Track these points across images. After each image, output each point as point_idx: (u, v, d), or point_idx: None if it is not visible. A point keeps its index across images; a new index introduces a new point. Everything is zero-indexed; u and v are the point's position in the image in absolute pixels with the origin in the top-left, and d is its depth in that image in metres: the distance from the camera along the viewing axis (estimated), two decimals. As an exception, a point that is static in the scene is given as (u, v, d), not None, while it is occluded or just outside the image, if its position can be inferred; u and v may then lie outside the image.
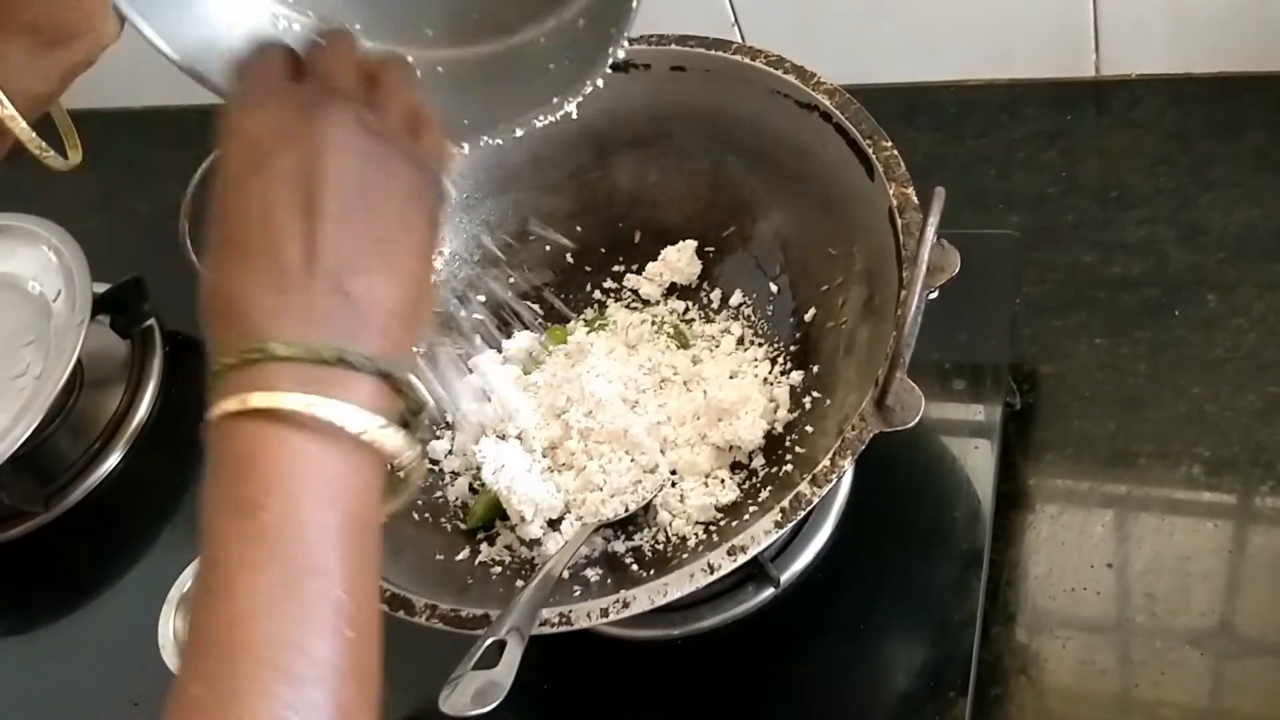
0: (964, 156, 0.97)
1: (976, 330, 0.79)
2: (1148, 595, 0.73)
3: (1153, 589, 0.74)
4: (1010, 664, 0.73)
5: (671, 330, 0.77)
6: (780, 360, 0.74)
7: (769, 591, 0.72)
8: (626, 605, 0.56)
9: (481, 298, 0.80)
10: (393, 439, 0.44)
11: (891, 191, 0.63)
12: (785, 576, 0.73)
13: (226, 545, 0.42)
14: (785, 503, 0.57)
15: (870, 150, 0.65)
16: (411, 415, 0.48)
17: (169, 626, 0.83)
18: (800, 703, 0.71)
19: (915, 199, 0.63)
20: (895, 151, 0.64)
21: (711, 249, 0.79)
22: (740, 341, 0.76)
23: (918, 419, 0.56)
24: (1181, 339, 0.80)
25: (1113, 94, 0.96)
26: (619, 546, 0.69)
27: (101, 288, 1.00)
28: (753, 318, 0.77)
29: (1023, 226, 0.90)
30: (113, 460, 0.97)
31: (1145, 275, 0.86)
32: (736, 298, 0.78)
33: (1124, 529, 0.76)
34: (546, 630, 0.57)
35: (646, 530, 0.70)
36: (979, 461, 0.76)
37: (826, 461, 0.57)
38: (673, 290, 0.80)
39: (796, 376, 0.73)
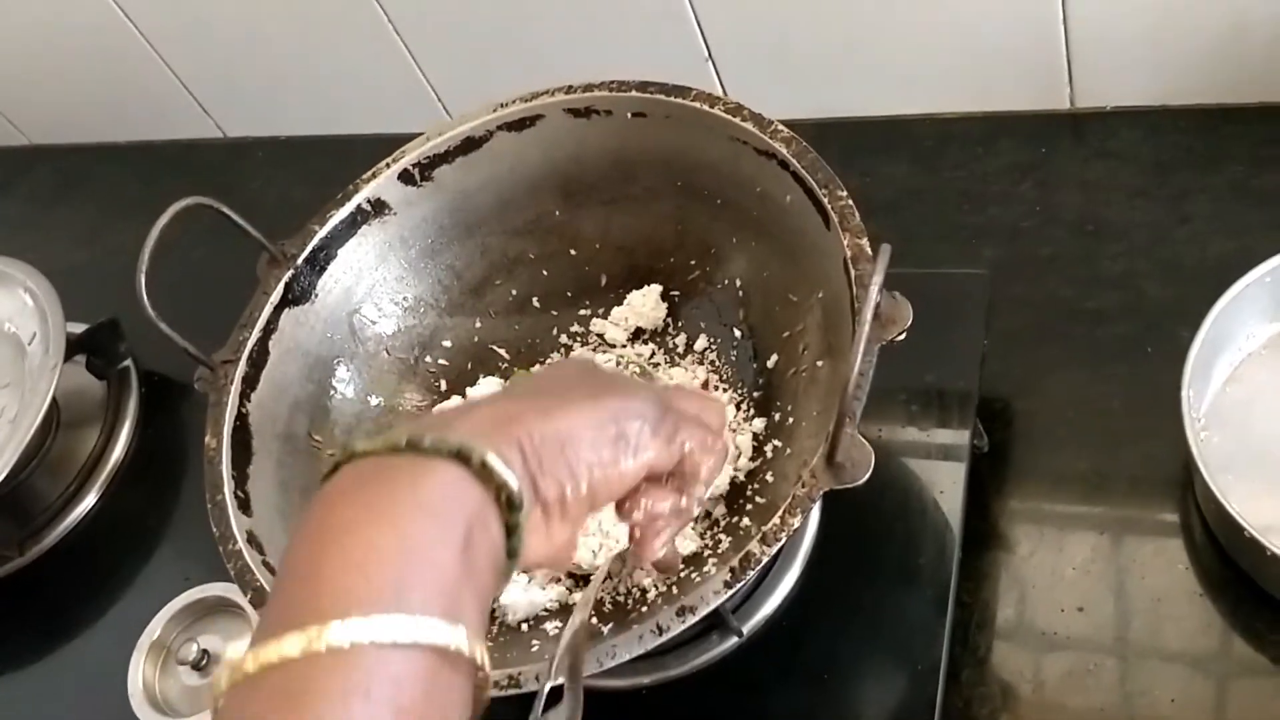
0: (939, 189, 0.97)
1: (945, 371, 0.78)
2: (1119, 639, 0.73)
3: (1124, 633, 0.73)
4: (979, 709, 0.72)
5: (638, 372, 0.77)
6: (744, 406, 0.74)
7: (734, 640, 0.72)
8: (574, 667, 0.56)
9: (447, 343, 0.80)
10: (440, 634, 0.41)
11: (846, 242, 0.63)
12: (751, 623, 0.72)
13: None
14: (735, 562, 0.56)
15: (825, 199, 0.65)
16: (508, 510, 0.46)
17: (139, 675, 0.83)
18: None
19: (869, 250, 0.63)
20: (850, 201, 0.64)
21: (677, 293, 0.78)
22: (705, 386, 0.75)
23: (867, 476, 0.55)
24: (1157, 374, 0.79)
25: (1088, 126, 0.95)
26: (578, 598, 0.69)
27: (80, 327, 1.01)
28: (717, 363, 0.77)
29: (997, 260, 0.90)
30: (89, 501, 0.97)
31: (1121, 310, 0.86)
32: (701, 342, 0.77)
33: (1096, 571, 0.76)
34: (496, 693, 0.57)
35: (609, 581, 0.69)
36: (947, 504, 0.75)
37: (776, 520, 0.56)
38: (638, 335, 0.79)
39: (759, 423, 0.72)
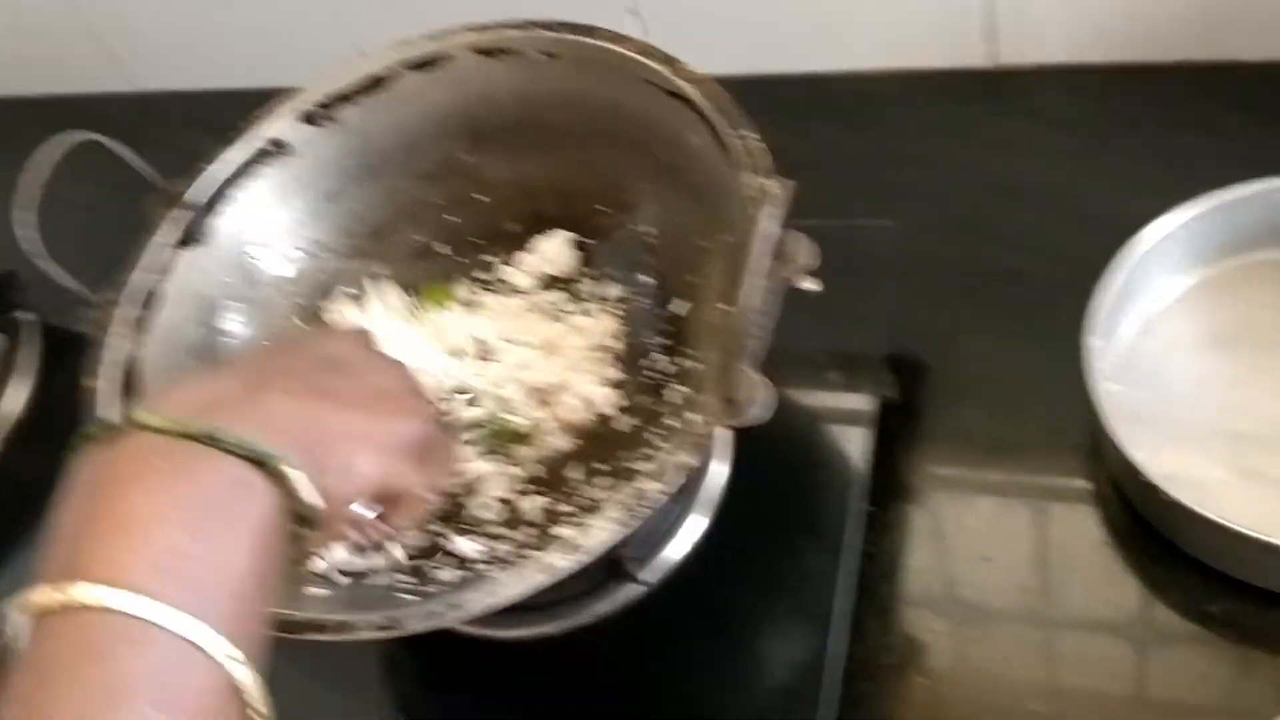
0: (859, 147, 0.96)
1: (855, 322, 0.78)
2: (1020, 588, 0.73)
3: (1027, 581, 0.73)
4: (884, 658, 0.72)
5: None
6: (651, 353, 0.73)
7: (638, 589, 0.71)
8: (458, 608, 0.55)
9: (352, 290, 0.78)
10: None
11: (753, 184, 0.62)
12: (658, 572, 0.71)
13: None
14: (627, 500, 0.55)
15: (733, 140, 0.63)
16: (300, 523, 0.46)
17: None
18: (668, 700, 0.70)
19: (776, 191, 0.62)
20: (759, 142, 0.63)
21: (589, 240, 0.77)
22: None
23: (767, 414, 0.54)
24: (1066, 331, 0.79)
25: (1008, 84, 0.95)
26: (466, 547, 0.67)
27: (-21, 281, 0.98)
28: (627, 309, 0.75)
29: (915, 218, 0.89)
30: (-14, 458, 0.94)
31: (1033, 266, 0.85)
32: (613, 290, 0.76)
33: (1002, 521, 0.76)
34: (376, 636, 0.55)
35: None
36: (855, 455, 0.75)
37: (670, 458, 0.55)
38: (549, 283, 0.78)
39: (668, 368, 0.71)
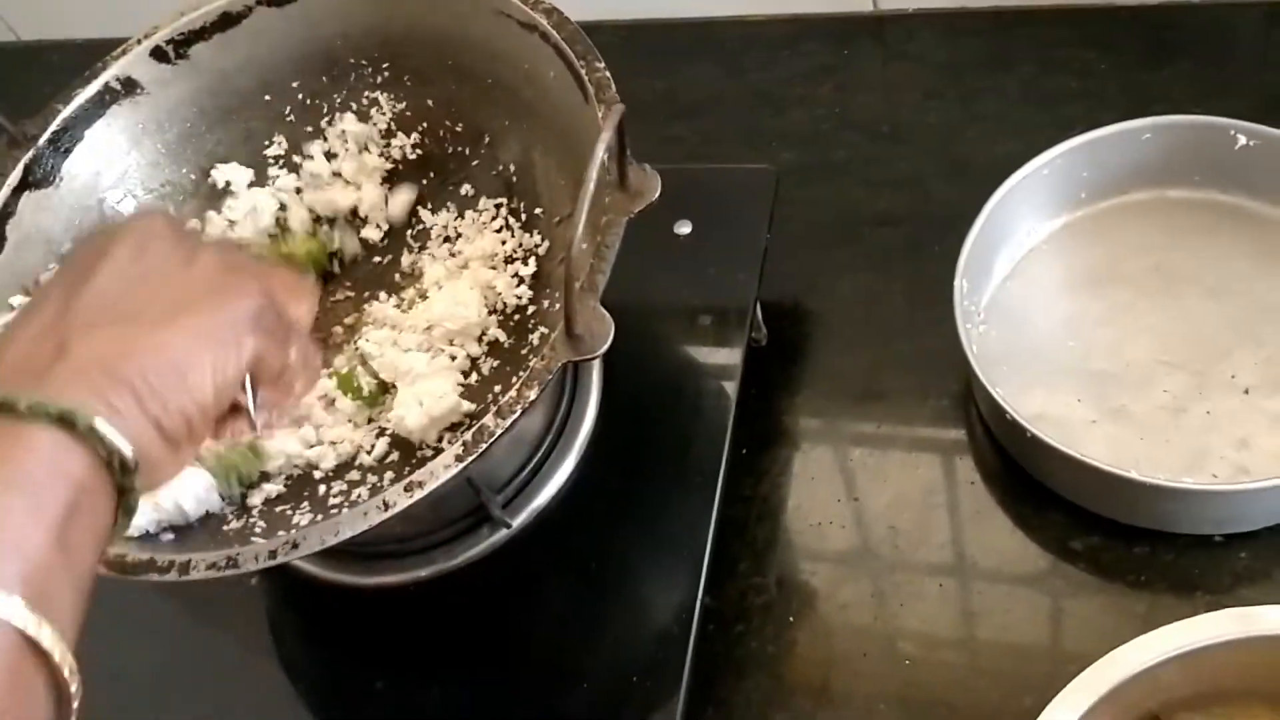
0: (742, 92, 0.96)
1: (727, 266, 0.77)
2: (891, 528, 0.73)
3: (896, 522, 0.73)
4: (755, 600, 0.72)
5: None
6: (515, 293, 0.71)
7: (504, 532, 0.70)
8: (295, 546, 0.53)
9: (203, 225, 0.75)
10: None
11: (600, 114, 0.61)
12: (521, 518, 0.71)
13: None
14: (468, 436, 0.54)
15: (584, 71, 0.62)
16: (120, 474, 0.43)
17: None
18: (532, 644, 0.70)
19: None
20: (606, 73, 0.62)
21: (448, 177, 0.75)
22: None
23: (605, 347, 0.53)
24: (939, 274, 0.79)
25: (890, 29, 0.95)
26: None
27: None
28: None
29: (794, 162, 0.89)
30: None
31: (909, 211, 0.86)
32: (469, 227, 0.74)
33: (873, 463, 0.76)
34: (213, 574, 0.54)
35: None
36: (724, 397, 0.74)
37: (513, 393, 0.54)
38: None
39: (529, 309, 0.70)
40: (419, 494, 0.53)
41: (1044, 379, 0.74)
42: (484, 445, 0.54)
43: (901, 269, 0.83)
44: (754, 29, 0.99)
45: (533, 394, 0.54)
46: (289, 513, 0.64)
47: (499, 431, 0.54)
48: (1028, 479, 0.72)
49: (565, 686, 0.67)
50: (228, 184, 0.74)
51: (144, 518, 0.59)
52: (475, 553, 0.70)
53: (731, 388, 0.73)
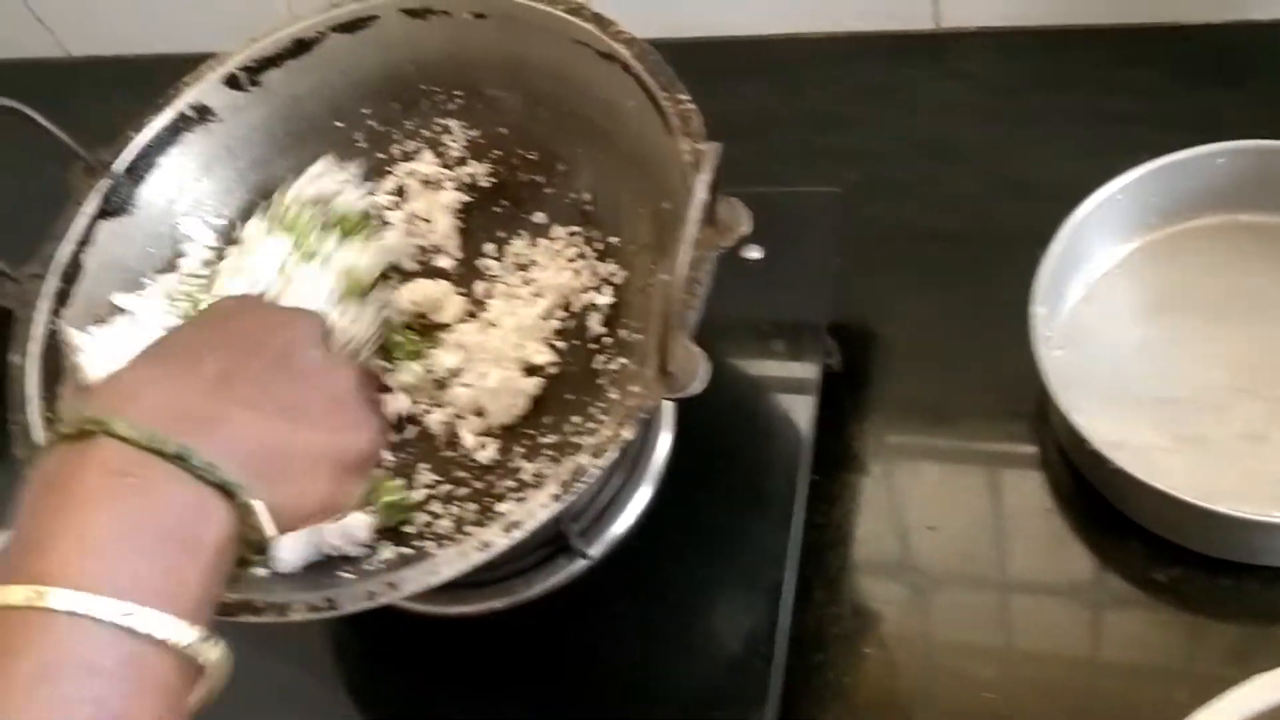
0: (800, 111, 0.95)
1: (797, 289, 0.77)
2: (969, 556, 0.73)
3: (975, 550, 0.73)
4: (831, 628, 0.72)
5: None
6: (590, 322, 0.71)
7: (583, 562, 0.70)
8: (394, 587, 0.53)
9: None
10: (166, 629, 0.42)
11: (686, 148, 0.60)
12: (602, 545, 0.71)
13: None
14: (565, 475, 0.54)
15: (666, 103, 0.62)
16: (251, 550, 0.47)
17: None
18: (613, 672, 0.70)
19: (708, 155, 0.60)
20: (691, 105, 0.61)
21: (522, 205, 0.75)
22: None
23: (701, 386, 0.53)
24: (1008, 296, 0.79)
25: (949, 47, 0.95)
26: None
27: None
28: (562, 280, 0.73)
29: (855, 182, 0.89)
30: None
31: (975, 231, 0.85)
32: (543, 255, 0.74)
33: (948, 489, 0.75)
34: (313, 617, 0.54)
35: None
36: (798, 424, 0.74)
37: (607, 432, 0.54)
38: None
39: (606, 338, 0.70)
40: (518, 534, 0.53)
41: (1119, 405, 0.73)
42: (581, 485, 0.53)
43: (969, 291, 0.82)
44: (809, 47, 0.98)
45: (627, 433, 0.54)
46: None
47: (595, 471, 0.53)
48: (1105, 506, 0.72)
49: (646, 718, 0.67)
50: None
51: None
52: (553, 582, 0.70)
53: (807, 414, 0.73)
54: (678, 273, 0.49)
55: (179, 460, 0.44)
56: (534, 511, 0.53)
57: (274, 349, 0.51)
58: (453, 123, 0.75)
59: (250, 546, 0.47)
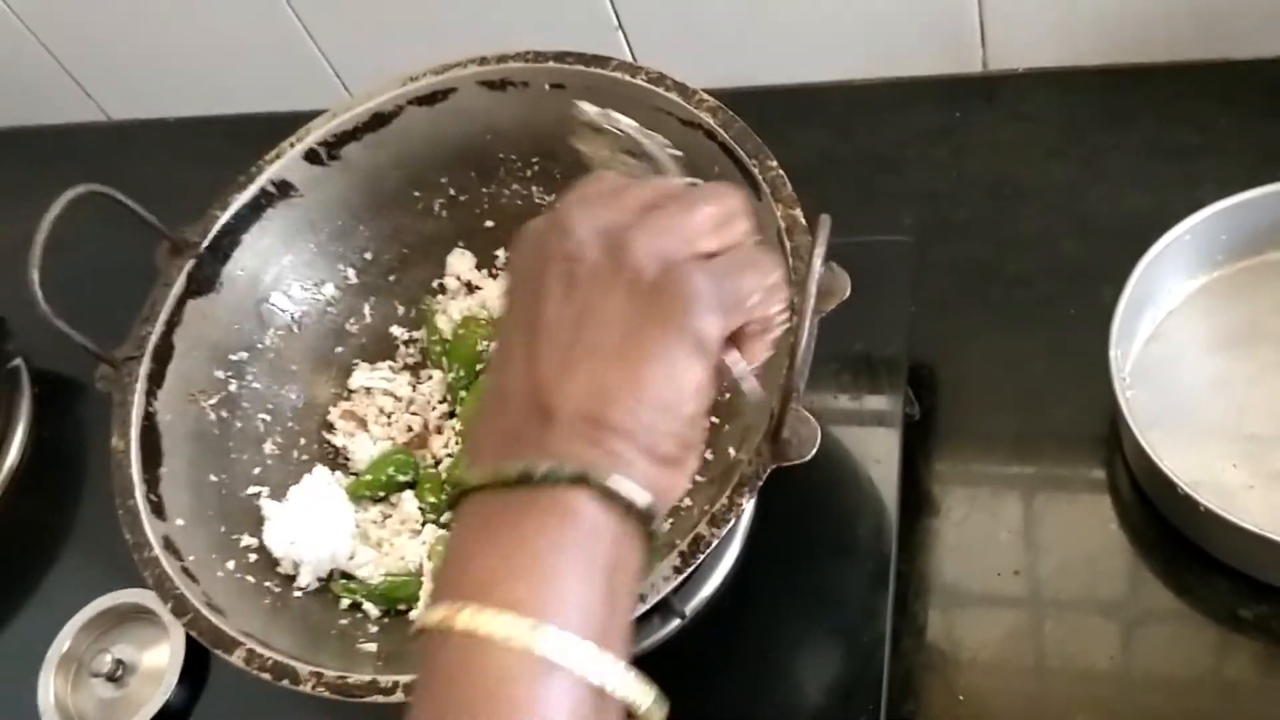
0: (855, 156, 0.96)
1: (872, 340, 0.78)
2: (1055, 602, 0.73)
3: (1059, 594, 0.73)
4: (921, 678, 0.72)
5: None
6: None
7: (676, 622, 0.70)
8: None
9: (362, 327, 0.76)
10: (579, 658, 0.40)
11: (779, 213, 0.61)
12: (692, 604, 0.71)
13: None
14: (684, 545, 0.55)
15: (756, 170, 0.63)
16: (647, 523, 0.43)
17: (49, 690, 0.79)
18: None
19: (803, 220, 0.62)
20: (781, 171, 0.63)
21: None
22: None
23: (814, 452, 0.54)
24: (1079, 336, 0.80)
25: (1001, 89, 0.95)
26: None
27: (-37, 329, 0.95)
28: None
29: (916, 224, 0.89)
30: (-17, 511, 0.92)
31: (1040, 269, 0.86)
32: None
33: (1029, 533, 0.76)
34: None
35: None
36: (882, 475, 0.75)
37: (724, 500, 0.55)
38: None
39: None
40: (642, 607, 0.54)
41: (1196, 443, 0.74)
42: (701, 555, 0.54)
43: (1038, 331, 0.83)
44: (860, 93, 0.99)
45: (745, 501, 0.55)
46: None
47: (715, 541, 0.54)
48: (1187, 545, 0.72)
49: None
50: (384, 268, 0.75)
51: None
52: (648, 644, 0.70)
53: (891, 464, 0.74)
54: (795, 344, 0.50)
55: (528, 479, 0.42)
56: (656, 584, 0.54)
57: (550, 293, 0.45)
58: (532, 189, 0.76)
59: (642, 518, 0.43)
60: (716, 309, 0.45)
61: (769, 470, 0.55)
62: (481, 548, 0.42)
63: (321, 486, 0.72)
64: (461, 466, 0.45)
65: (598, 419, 0.43)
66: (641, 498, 0.43)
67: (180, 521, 0.65)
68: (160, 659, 0.80)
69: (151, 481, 0.65)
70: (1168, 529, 0.73)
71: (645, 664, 0.70)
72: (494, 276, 0.77)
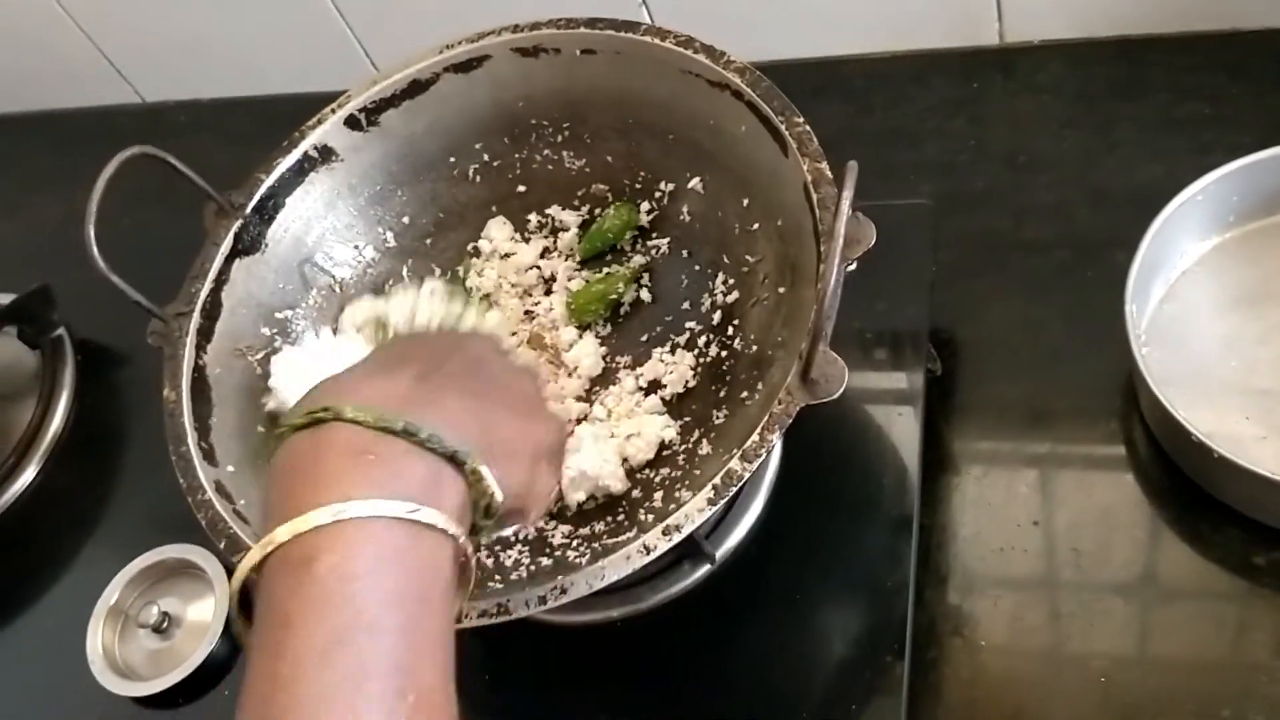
0: (874, 129, 0.98)
1: (895, 299, 0.80)
2: (1073, 550, 0.75)
3: (1078, 544, 0.75)
4: (944, 626, 0.74)
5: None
6: (703, 340, 0.75)
7: (705, 568, 0.73)
8: (564, 591, 0.56)
9: (396, 285, 0.79)
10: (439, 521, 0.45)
11: (805, 167, 0.64)
12: (720, 552, 0.73)
13: (280, 600, 0.42)
14: (717, 479, 0.57)
15: (783, 126, 0.65)
16: (482, 516, 0.48)
17: (98, 641, 0.81)
18: (740, 676, 0.72)
19: (829, 173, 0.64)
20: (807, 127, 0.65)
21: (632, 232, 0.79)
22: (663, 321, 0.76)
23: (842, 390, 0.56)
24: (1094, 299, 0.82)
25: (1017, 61, 0.98)
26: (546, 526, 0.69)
27: (8, 298, 0.98)
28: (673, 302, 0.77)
29: (934, 195, 0.92)
30: (29, 475, 0.95)
31: (1056, 237, 0.88)
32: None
33: (1047, 487, 0.78)
34: (485, 621, 0.57)
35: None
36: (904, 428, 0.77)
37: (756, 436, 0.57)
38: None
39: (720, 354, 0.73)
40: (677, 537, 0.56)
41: (1210, 398, 0.76)
42: (734, 489, 0.57)
43: (1055, 295, 0.85)
44: (878, 66, 1.01)
45: (774, 437, 0.57)
46: (511, 556, 0.67)
47: (746, 475, 0.57)
48: (1201, 496, 0.74)
49: (781, 717, 0.70)
50: (422, 231, 0.78)
51: None
52: (678, 589, 0.73)
53: (913, 419, 0.76)
54: (824, 288, 0.53)
55: (407, 435, 0.45)
56: (691, 514, 0.56)
57: (465, 355, 0.52)
58: (563, 153, 0.78)
59: (481, 511, 0.48)
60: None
61: (799, 408, 0.57)
62: (330, 489, 0.45)
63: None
64: (326, 398, 0.49)
65: (484, 429, 0.49)
66: (498, 494, 0.49)
67: (230, 468, 0.67)
68: (205, 612, 0.82)
69: (202, 430, 0.68)
70: (1182, 480, 0.75)
71: (678, 608, 0.74)
72: (526, 241, 0.80)
